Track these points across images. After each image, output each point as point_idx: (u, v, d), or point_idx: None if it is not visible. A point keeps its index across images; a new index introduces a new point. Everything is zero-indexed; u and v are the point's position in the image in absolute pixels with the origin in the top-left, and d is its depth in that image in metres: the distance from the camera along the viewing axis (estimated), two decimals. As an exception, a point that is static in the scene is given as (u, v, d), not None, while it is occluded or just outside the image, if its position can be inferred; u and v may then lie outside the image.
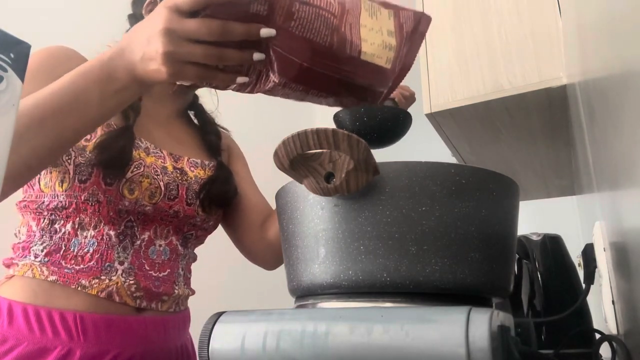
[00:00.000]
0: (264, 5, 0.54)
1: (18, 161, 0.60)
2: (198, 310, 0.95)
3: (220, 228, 0.99)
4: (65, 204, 0.77)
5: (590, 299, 0.73)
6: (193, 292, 0.94)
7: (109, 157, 0.76)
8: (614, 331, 0.64)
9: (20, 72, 0.32)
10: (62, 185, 0.77)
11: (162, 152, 0.86)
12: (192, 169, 0.89)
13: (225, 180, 0.93)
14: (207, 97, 1.04)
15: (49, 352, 0.72)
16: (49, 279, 0.75)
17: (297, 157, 0.48)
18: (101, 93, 0.61)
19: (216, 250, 1.12)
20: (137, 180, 0.79)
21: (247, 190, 1.00)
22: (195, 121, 1.02)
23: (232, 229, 1.00)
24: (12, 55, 0.31)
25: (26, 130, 0.60)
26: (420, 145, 1.92)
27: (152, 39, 0.56)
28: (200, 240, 0.94)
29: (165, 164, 0.85)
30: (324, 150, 0.47)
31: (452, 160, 1.40)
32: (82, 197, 0.76)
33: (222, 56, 0.57)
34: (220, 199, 0.92)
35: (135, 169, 0.79)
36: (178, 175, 0.86)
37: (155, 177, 0.81)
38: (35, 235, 0.78)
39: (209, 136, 0.99)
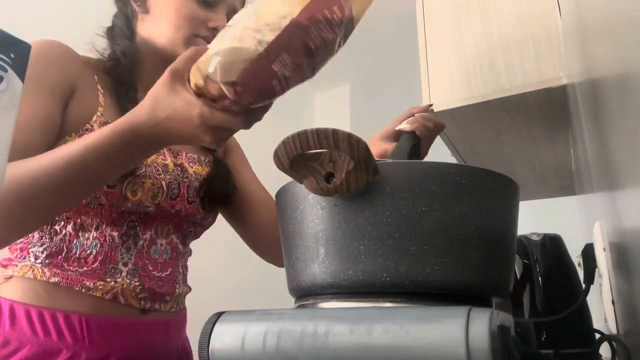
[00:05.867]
0: None
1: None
2: (198, 310, 0.94)
3: (219, 228, 0.99)
4: None
5: (590, 299, 0.73)
6: (190, 289, 0.93)
7: None
8: (614, 331, 0.64)
9: (21, 72, 0.32)
10: None
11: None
12: (190, 164, 0.89)
13: (225, 178, 0.93)
14: None
15: (55, 356, 0.71)
16: (51, 280, 0.74)
17: (297, 157, 0.48)
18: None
19: (216, 251, 1.12)
20: (139, 181, 0.78)
21: (254, 191, 0.98)
22: None
23: (245, 233, 0.99)
24: (12, 55, 0.31)
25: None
26: (420, 145, 1.91)
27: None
28: (197, 236, 0.94)
29: (165, 161, 0.84)
30: (324, 150, 0.47)
31: (452, 160, 1.40)
32: (84, 201, 0.75)
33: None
34: (221, 197, 0.91)
35: (137, 170, 0.78)
36: (179, 172, 0.85)
37: (157, 176, 0.81)
38: (33, 236, 0.77)
39: None
